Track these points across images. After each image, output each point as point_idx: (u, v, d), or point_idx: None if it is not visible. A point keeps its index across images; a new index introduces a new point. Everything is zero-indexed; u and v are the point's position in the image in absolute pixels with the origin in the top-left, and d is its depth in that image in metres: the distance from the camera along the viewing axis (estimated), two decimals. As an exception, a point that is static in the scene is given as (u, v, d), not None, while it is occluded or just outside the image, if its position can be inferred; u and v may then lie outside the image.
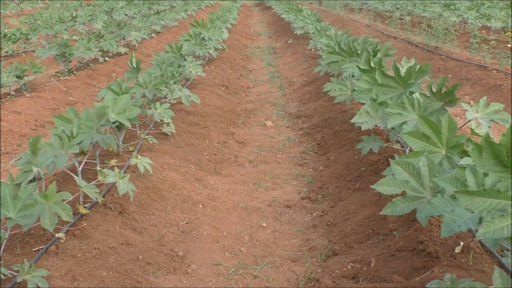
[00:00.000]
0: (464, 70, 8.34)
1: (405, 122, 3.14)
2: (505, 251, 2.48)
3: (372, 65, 4.47)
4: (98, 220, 3.25)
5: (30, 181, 3.02)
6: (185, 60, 6.92)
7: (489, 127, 3.13)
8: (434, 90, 3.33)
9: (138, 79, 4.99)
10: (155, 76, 5.69)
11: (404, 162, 2.23)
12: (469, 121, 3.19)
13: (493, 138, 2.25)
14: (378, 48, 5.24)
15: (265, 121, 6.64)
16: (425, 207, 2.10)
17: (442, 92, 3.23)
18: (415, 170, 2.21)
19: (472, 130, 3.09)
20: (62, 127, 3.38)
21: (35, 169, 2.91)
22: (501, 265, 2.47)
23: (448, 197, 1.91)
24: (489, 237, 1.51)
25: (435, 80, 7.53)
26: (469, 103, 3.31)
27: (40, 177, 3.08)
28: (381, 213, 2.23)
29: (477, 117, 3.19)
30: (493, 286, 1.66)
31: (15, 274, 2.48)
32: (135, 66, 5.02)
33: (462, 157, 2.44)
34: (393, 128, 3.60)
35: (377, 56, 5.10)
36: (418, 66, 3.56)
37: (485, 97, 3.25)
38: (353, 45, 5.51)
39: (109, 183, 3.52)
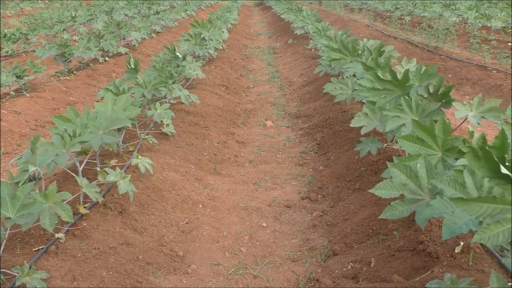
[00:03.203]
0: (464, 70, 8.33)
1: (403, 125, 3.13)
2: (505, 251, 2.48)
3: (377, 63, 4.44)
4: (98, 220, 3.25)
5: (30, 180, 3.02)
6: (184, 60, 6.91)
7: (478, 123, 3.12)
8: (431, 91, 3.33)
9: (137, 79, 4.99)
10: (154, 76, 5.69)
11: (401, 165, 2.22)
12: (464, 120, 3.19)
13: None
14: (383, 49, 5.21)
15: (265, 121, 6.64)
16: (424, 210, 2.10)
17: (439, 93, 3.22)
18: (412, 173, 2.20)
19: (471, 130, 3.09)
20: (64, 126, 3.38)
21: (32, 168, 2.91)
22: (501, 265, 2.47)
23: (447, 198, 1.91)
24: (485, 243, 1.51)
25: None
26: (462, 102, 3.31)
27: (40, 176, 3.08)
28: (380, 217, 2.22)
29: (467, 115, 3.18)
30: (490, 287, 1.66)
31: (15, 274, 2.48)
32: (133, 66, 5.02)
33: (457, 159, 2.43)
34: (391, 130, 3.59)
35: (382, 56, 5.07)
36: (423, 68, 3.53)
37: (479, 95, 3.24)
38: (355, 44, 5.50)
39: (109, 183, 3.52)
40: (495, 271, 2.43)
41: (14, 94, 6.82)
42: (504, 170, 1.56)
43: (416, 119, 3.11)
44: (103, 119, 3.45)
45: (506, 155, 1.61)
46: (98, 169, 3.48)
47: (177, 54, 6.84)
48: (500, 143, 1.63)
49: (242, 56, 11.91)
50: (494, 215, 1.52)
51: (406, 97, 3.28)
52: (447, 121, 2.50)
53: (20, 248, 2.86)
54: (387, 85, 3.55)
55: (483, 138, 2.26)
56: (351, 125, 3.78)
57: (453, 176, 2.00)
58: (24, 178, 2.90)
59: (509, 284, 2.01)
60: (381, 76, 3.66)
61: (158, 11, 16.66)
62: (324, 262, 3.24)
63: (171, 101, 5.78)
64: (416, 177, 2.20)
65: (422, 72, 3.49)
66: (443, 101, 3.21)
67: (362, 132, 3.72)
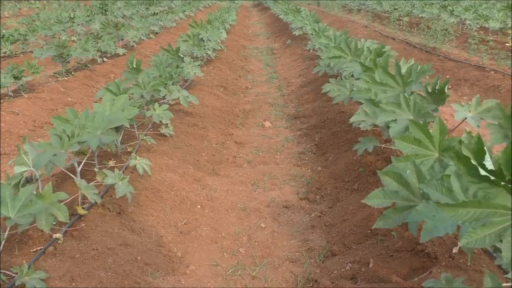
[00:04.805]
0: (462, 71, 8.35)
1: (395, 120, 3.14)
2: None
3: (375, 63, 4.45)
4: (97, 221, 3.24)
5: (27, 181, 3.01)
6: (183, 61, 6.91)
7: (478, 126, 3.13)
8: (429, 89, 3.34)
9: (138, 80, 4.98)
10: (153, 77, 5.69)
11: (392, 173, 2.21)
12: (462, 121, 3.20)
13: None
14: (384, 49, 5.22)
15: (264, 122, 6.64)
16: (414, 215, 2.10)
17: (436, 90, 3.24)
18: (403, 180, 2.19)
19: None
20: (62, 127, 3.37)
21: (22, 169, 2.90)
22: (499, 266, 2.47)
23: (433, 202, 1.91)
24: (472, 247, 1.52)
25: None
26: (461, 103, 3.32)
27: (36, 177, 3.07)
28: (374, 226, 2.22)
29: (467, 117, 3.19)
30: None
31: (13, 275, 2.48)
32: (135, 66, 5.01)
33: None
34: (388, 127, 3.61)
35: (382, 57, 5.08)
36: (419, 66, 3.56)
37: (477, 96, 3.25)
38: (355, 44, 5.51)
39: (108, 184, 3.51)
40: (492, 271, 2.43)
41: (12, 95, 6.81)
42: (483, 173, 1.57)
43: (412, 118, 3.12)
44: (101, 119, 3.45)
45: (483, 161, 1.62)
46: (96, 170, 3.48)
47: (180, 55, 6.84)
48: (477, 148, 1.64)
49: (240, 57, 11.92)
50: (480, 219, 1.53)
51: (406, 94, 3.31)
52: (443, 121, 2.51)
53: (19, 249, 2.85)
54: (390, 80, 3.56)
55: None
56: (350, 120, 3.81)
57: (440, 180, 2.00)
58: (18, 178, 2.90)
59: (509, 284, 2.01)
60: (378, 79, 3.67)
61: (156, 12, 16.62)
62: (323, 262, 3.24)
63: (170, 102, 5.77)
64: (407, 183, 2.19)
65: (418, 70, 3.52)
66: (439, 98, 3.22)
67: (362, 127, 3.75)
